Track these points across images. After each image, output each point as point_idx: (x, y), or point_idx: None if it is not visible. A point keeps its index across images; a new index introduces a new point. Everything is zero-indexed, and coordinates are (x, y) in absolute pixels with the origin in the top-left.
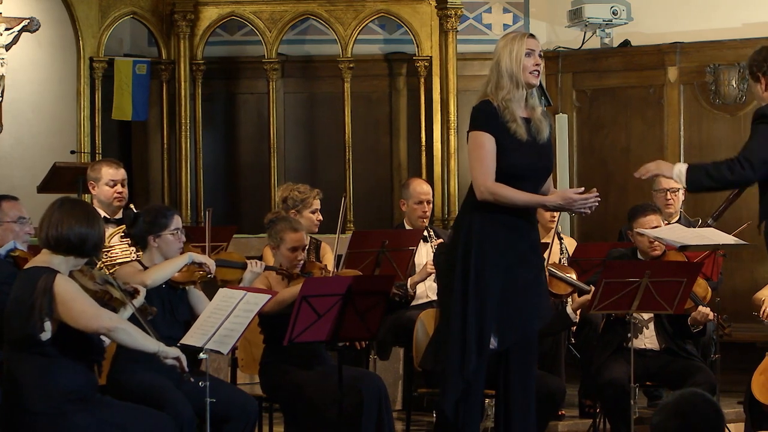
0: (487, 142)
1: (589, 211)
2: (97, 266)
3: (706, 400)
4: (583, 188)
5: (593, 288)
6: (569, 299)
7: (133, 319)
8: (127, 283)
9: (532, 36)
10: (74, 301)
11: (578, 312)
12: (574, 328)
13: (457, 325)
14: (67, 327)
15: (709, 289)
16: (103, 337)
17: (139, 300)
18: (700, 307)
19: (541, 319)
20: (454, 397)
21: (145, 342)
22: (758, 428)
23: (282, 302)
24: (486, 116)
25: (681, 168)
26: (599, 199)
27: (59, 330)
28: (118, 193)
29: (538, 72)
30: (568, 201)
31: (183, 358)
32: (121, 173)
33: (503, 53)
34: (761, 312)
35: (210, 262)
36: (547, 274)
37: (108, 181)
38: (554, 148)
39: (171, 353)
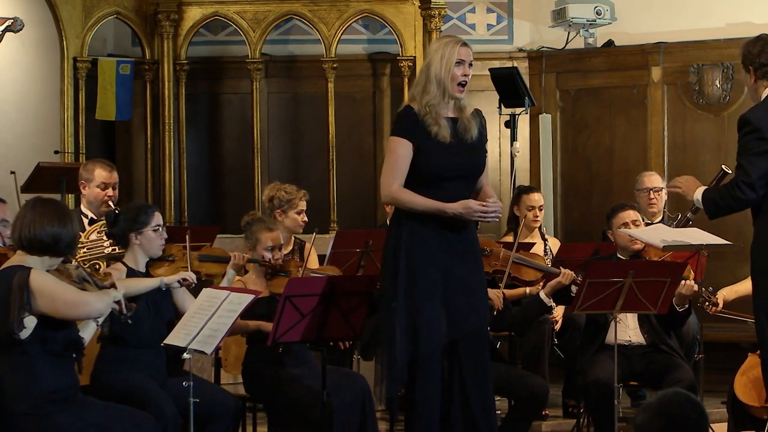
0: (399, 148)
1: (493, 221)
2: (74, 264)
3: (690, 400)
4: (487, 201)
5: (563, 270)
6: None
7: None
8: (105, 280)
9: (465, 44)
10: (56, 293)
11: (550, 296)
12: (557, 327)
13: (387, 327)
14: (46, 324)
15: (691, 270)
16: (82, 334)
17: (117, 297)
18: (683, 281)
19: (484, 315)
20: (391, 394)
21: (110, 300)
22: (741, 428)
23: (241, 330)
24: (404, 122)
25: (698, 196)
26: (499, 212)
27: (39, 327)
28: (109, 196)
29: (465, 83)
30: (467, 210)
31: (122, 301)
32: (114, 177)
33: (434, 57)
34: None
35: (189, 275)
36: (511, 264)
37: (100, 184)
38: (488, 146)
39: (116, 297)
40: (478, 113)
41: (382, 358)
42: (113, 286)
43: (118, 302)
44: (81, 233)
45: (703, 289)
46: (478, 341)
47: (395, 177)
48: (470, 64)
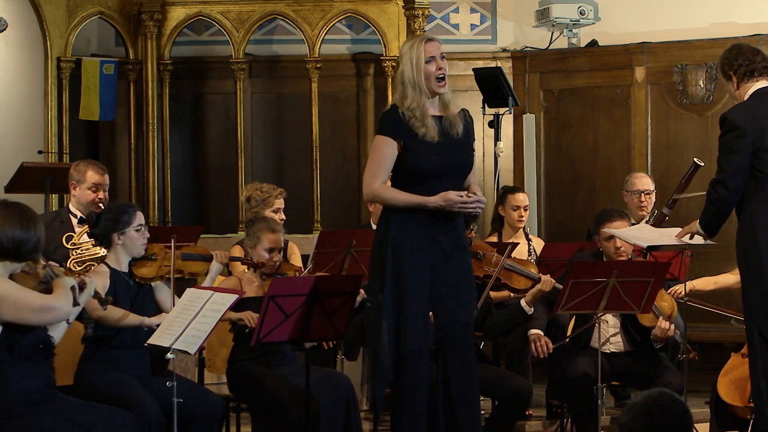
0: (383, 147)
1: (475, 213)
2: (41, 263)
3: (674, 399)
4: (465, 192)
5: (542, 277)
6: None
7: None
8: (77, 277)
9: (431, 40)
10: (21, 300)
11: (531, 304)
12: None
13: (373, 327)
14: (12, 329)
15: (675, 307)
16: (51, 334)
17: (89, 291)
18: (661, 320)
19: (471, 314)
20: (377, 393)
21: (71, 296)
22: (724, 428)
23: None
24: (390, 121)
25: (698, 224)
26: (481, 203)
27: (4, 334)
28: (99, 198)
29: (444, 76)
30: (448, 202)
31: (77, 288)
32: (105, 179)
33: (405, 62)
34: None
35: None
36: (500, 269)
37: (91, 186)
38: (474, 143)
39: (70, 283)
40: (464, 112)
41: (368, 358)
42: (83, 282)
43: (72, 288)
44: (73, 234)
45: (684, 341)
46: (464, 341)
47: (378, 175)
48: (442, 57)
